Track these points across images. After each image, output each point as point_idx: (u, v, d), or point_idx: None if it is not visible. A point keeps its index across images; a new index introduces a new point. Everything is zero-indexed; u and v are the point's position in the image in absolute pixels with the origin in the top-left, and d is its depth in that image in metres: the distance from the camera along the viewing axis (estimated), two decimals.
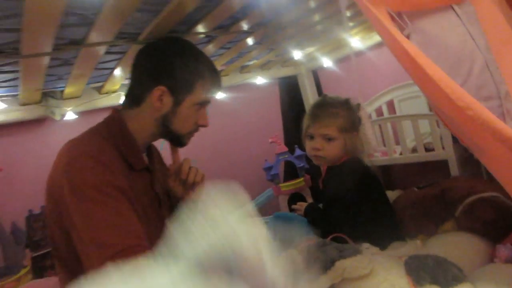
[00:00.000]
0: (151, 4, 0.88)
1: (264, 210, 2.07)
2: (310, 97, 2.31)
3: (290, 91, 2.44)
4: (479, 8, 0.92)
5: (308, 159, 1.84)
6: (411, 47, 0.70)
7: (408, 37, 0.79)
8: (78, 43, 1.00)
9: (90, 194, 0.88)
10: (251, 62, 1.92)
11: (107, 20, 0.86)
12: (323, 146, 1.44)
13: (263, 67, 2.10)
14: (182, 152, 1.19)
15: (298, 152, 2.13)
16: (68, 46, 0.99)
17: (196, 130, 1.13)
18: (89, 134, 1.03)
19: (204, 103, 1.10)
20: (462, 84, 0.85)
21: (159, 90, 1.00)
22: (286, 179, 2.24)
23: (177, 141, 1.12)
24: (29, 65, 1.03)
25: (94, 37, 0.96)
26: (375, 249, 1.16)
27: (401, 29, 0.78)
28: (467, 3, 0.91)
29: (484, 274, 1.00)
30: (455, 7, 0.90)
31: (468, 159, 1.54)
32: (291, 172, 2.26)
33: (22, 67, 1.04)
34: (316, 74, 2.42)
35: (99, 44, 1.01)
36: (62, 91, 1.49)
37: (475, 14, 0.92)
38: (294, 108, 2.39)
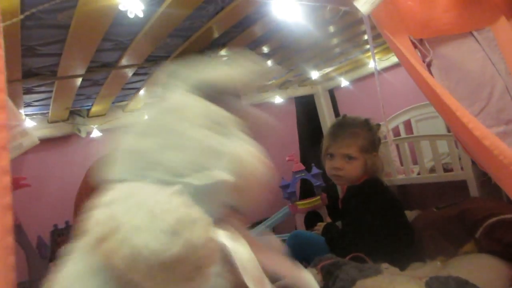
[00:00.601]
0: (182, 30, 0.92)
1: (281, 228, 2.07)
2: (326, 116, 2.33)
3: (307, 110, 2.46)
4: (498, 34, 0.95)
5: (325, 178, 1.86)
6: (429, 77, 0.73)
7: (430, 63, 0.81)
8: (109, 65, 1.05)
9: None
10: (270, 82, 1.96)
11: (140, 45, 0.91)
12: (344, 166, 1.45)
13: (281, 86, 2.14)
14: None
15: (315, 170, 2.15)
16: (101, 68, 1.04)
17: None
18: None
19: None
20: (483, 108, 0.87)
21: None
22: (303, 197, 2.25)
23: None
24: (62, 86, 1.08)
25: (125, 60, 1.01)
26: (394, 269, 1.16)
27: (423, 55, 0.81)
28: (486, 29, 0.94)
29: None
30: (475, 34, 0.92)
31: (487, 181, 1.53)
32: (307, 190, 2.27)
33: (56, 87, 1.09)
34: (333, 94, 2.45)
35: (129, 66, 1.06)
36: (88, 110, 1.55)
37: (495, 40, 0.94)
38: (311, 127, 2.41)
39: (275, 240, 0.60)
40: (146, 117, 0.46)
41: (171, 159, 0.41)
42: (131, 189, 0.37)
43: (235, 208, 0.46)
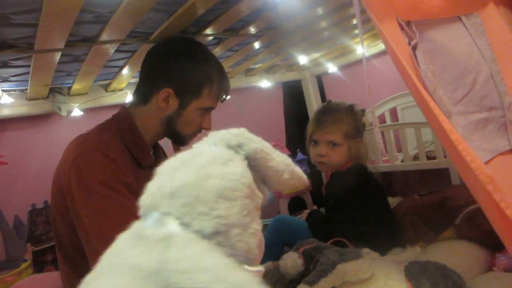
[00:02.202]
0: (165, 5, 0.90)
1: (265, 213, 2.07)
2: (313, 102, 2.33)
3: (293, 95, 2.45)
4: (486, 20, 0.94)
5: (309, 164, 1.86)
6: (408, 65, 0.73)
7: (415, 46, 0.80)
8: (90, 40, 1.01)
9: (98, 189, 0.90)
10: (257, 66, 1.94)
11: (121, 19, 0.88)
12: (328, 152, 1.45)
13: (268, 71, 2.12)
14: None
15: (300, 156, 2.15)
16: (81, 43, 1.01)
17: (199, 131, 1.14)
18: (98, 130, 1.04)
19: (209, 109, 1.11)
20: (466, 94, 0.86)
21: (166, 92, 1.02)
22: None
23: (180, 141, 1.14)
24: (40, 60, 1.05)
25: (106, 35, 0.97)
26: (375, 254, 1.17)
27: (410, 38, 0.80)
28: (475, 14, 0.93)
29: (483, 282, 1.01)
30: (463, 18, 0.91)
31: None
32: None
33: (34, 62, 1.05)
34: (320, 80, 2.44)
35: (111, 42, 1.02)
36: (69, 88, 1.51)
37: (482, 25, 0.93)
38: (297, 113, 2.41)
39: None
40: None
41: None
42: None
43: None
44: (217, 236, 0.41)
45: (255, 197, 0.49)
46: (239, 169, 0.47)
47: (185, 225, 0.41)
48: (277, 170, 0.53)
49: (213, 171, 0.45)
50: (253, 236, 0.45)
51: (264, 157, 0.52)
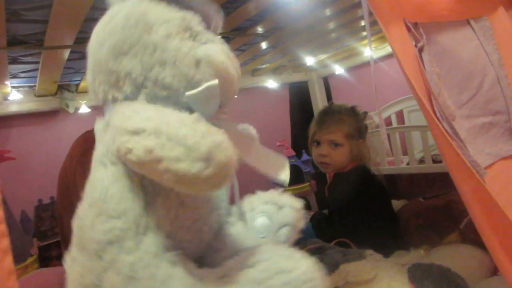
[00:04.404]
0: (173, 3, 0.90)
1: None
2: (319, 104, 2.32)
3: (300, 96, 2.45)
4: (495, 24, 0.94)
5: (314, 165, 1.86)
6: (410, 69, 0.73)
7: (422, 48, 0.80)
8: None
9: None
10: (264, 66, 1.94)
11: None
12: (330, 153, 1.46)
13: (275, 71, 2.12)
14: None
15: (305, 157, 2.15)
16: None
17: None
18: None
19: None
20: (471, 97, 0.86)
21: None
22: (292, 183, 2.25)
23: None
24: (49, 57, 1.06)
25: None
26: (378, 256, 1.17)
27: (416, 40, 0.80)
28: (483, 18, 0.93)
29: (487, 287, 1.01)
30: (472, 22, 0.91)
31: None
32: (297, 176, 2.26)
33: (43, 58, 1.07)
34: (327, 81, 2.44)
35: None
36: (77, 85, 1.52)
37: (491, 29, 0.93)
38: (303, 114, 2.40)
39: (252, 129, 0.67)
40: (110, 33, 0.46)
41: (160, 74, 0.45)
42: (150, 115, 0.41)
43: (220, 105, 0.49)
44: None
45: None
46: None
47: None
48: None
49: None
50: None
51: None
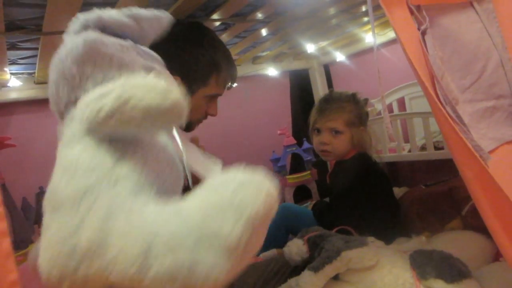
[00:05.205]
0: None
1: None
2: (320, 92, 2.31)
3: (300, 84, 2.44)
4: (499, 6, 0.93)
5: (315, 153, 1.85)
6: (413, 54, 0.72)
7: (425, 31, 0.79)
8: None
9: None
10: (264, 53, 1.92)
11: (129, 1, 0.87)
12: (330, 141, 1.45)
13: (275, 59, 2.11)
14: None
15: (306, 145, 2.14)
16: None
17: (205, 118, 1.14)
18: None
19: (216, 96, 1.10)
20: (474, 81, 0.85)
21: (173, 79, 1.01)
22: (293, 171, 2.25)
23: (186, 126, 1.14)
24: (49, 43, 1.05)
25: None
26: (380, 243, 1.17)
27: (419, 23, 0.79)
28: (487, 0, 0.91)
29: (489, 272, 1.01)
30: (475, 4, 0.90)
31: None
32: (298, 164, 2.27)
33: (42, 44, 1.05)
34: (328, 69, 2.42)
35: None
36: None
37: (494, 12, 0.92)
38: (304, 102, 2.39)
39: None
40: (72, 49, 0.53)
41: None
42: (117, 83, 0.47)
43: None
44: None
45: None
46: None
47: None
48: None
49: None
50: None
51: None
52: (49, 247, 0.41)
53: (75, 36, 0.53)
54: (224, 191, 0.40)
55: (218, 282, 0.37)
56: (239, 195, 0.39)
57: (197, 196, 0.41)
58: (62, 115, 0.53)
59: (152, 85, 0.45)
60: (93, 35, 0.52)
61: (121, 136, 0.48)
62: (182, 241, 0.37)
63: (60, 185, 0.44)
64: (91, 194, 0.42)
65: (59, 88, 0.51)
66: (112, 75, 0.51)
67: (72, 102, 0.50)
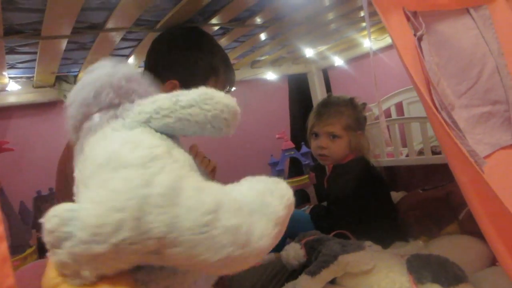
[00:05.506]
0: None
1: None
2: (319, 96, 2.32)
3: (299, 88, 2.45)
4: (495, 13, 0.93)
5: (313, 157, 1.86)
6: (409, 61, 0.73)
7: (421, 37, 0.79)
8: (96, 27, 1.02)
9: None
10: (263, 58, 1.93)
11: (128, 6, 0.88)
12: (328, 145, 1.46)
13: (274, 63, 2.11)
14: (188, 143, 1.20)
15: (304, 149, 2.14)
16: (87, 30, 1.01)
17: None
18: None
19: None
20: (470, 87, 0.86)
21: (171, 84, 1.01)
22: (291, 175, 2.25)
23: None
24: (47, 47, 1.05)
25: (113, 22, 0.98)
26: (377, 247, 1.17)
27: (415, 29, 0.79)
28: (483, 7, 0.92)
29: (485, 277, 1.01)
30: (471, 11, 0.91)
31: None
32: (296, 168, 2.27)
33: (40, 48, 1.06)
34: (326, 73, 2.43)
35: (117, 29, 1.03)
36: (75, 76, 1.51)
37: (490, 18, 0.93)
38: (303, 106, 2.40)
39: None
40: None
41: None
42: None
43: None
44: None
45: None
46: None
47: None
48: None
49: None
50: None
51: None
52: (110, 198, 0.40)
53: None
54: (266, 181, 0.49)
55: (267, 245, 0.44)
56: (279, 185, 0.49)
57: (243, 184, 0.49)
58: (86, 117, 0.52)
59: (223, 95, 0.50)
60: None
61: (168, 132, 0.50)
62: (242, 209, 0.44)
63: (123, 151, 0.44)
64: (159, 161, 0.43)
65: (102, 93, 0.51)
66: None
67: (115, 105, 0.51)
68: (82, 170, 0.47)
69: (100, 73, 0.54)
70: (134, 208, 0.39)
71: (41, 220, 0.41)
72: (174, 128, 0.49)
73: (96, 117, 0.52)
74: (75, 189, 0.47)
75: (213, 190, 0.45)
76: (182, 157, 0.48)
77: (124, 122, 0.49)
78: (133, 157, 0.43)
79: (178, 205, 0.41)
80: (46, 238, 0.40)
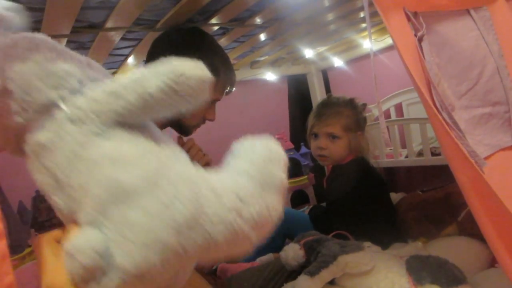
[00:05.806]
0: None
1: None
2: (318, 97, 2.32)
3: (298, 89, 2.45)
4: (495, 14, 0.93)
5: (312, 158, 1.86)
6: (410, 61, 0.73)
7: (421, 38, 0.79)
8: (96, 27, 1.01)
9: None
10: (262, 58, 1.93)
11: (127, 5, 0.87)
12: (328, 145, 1.45)
13: (274, 64, 2.11)
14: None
15: (303, 149, 2.15)
16: (86, 29, 1.01)
17: (203, 122, 1.14)
18: None
19: (214, 101, 1.10)
20: (470, 88, 0.86)
21: None
22: (290, 176, 2.25)
23: (183, 131, 1.14)
24: None
25: (112, 22, 0.97)
26: (376, 248, 1.17)
27: (416, 29, 0.79)
28: (484, 8, 0.92)
29: (484, 278, 1.01)
30: (472, 12, 0.90)
31: None
32: (295, 169, 2.27)
33: None
34: (326, 74, 2.43)
35: (116, 29, 1.02)
36: None
37: (491, 19, 0.93)
38: (302, 107, 2.40)
39: None
40: None
41: None
42: None
43: None
44: None
45: None
46: None
47: None
48: None
49: None
50: None
51: None
52: (137, 232, 0.38)
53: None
54: (259, 149, 0.50)
55: (279, 215, 0.48)
56: (272, 149, 0.50)
57: (241, 157, 0.50)
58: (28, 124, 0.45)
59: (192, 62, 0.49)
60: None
61: (135, 123, 0.46)
62: (255, 193, 0.46)
63: (120, 177, 0.40)
64: (162, 174, 0.42)
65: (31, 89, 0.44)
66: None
67: (54, 104, 0.44)
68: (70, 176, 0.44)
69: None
70: (168, 236, 0.39)
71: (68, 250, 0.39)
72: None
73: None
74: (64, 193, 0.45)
75: (225, 185, 0.46)
76: (171, 150, 0.48)
77: (87, 129, 0.43)
78: (133, 182, 0.40)
79: (203, 215, 0.41)
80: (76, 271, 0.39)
